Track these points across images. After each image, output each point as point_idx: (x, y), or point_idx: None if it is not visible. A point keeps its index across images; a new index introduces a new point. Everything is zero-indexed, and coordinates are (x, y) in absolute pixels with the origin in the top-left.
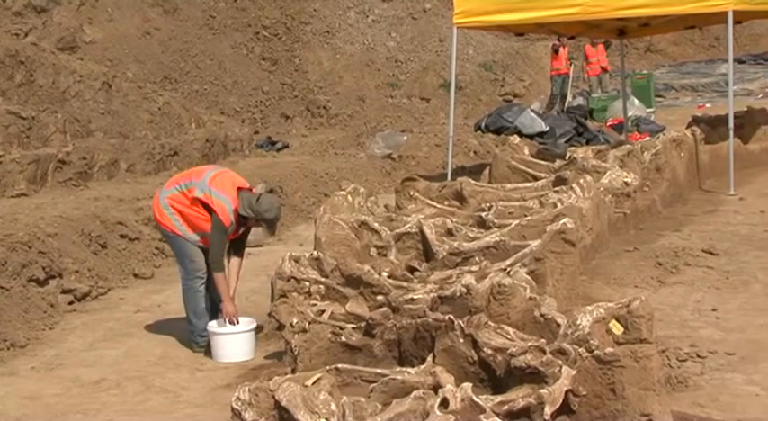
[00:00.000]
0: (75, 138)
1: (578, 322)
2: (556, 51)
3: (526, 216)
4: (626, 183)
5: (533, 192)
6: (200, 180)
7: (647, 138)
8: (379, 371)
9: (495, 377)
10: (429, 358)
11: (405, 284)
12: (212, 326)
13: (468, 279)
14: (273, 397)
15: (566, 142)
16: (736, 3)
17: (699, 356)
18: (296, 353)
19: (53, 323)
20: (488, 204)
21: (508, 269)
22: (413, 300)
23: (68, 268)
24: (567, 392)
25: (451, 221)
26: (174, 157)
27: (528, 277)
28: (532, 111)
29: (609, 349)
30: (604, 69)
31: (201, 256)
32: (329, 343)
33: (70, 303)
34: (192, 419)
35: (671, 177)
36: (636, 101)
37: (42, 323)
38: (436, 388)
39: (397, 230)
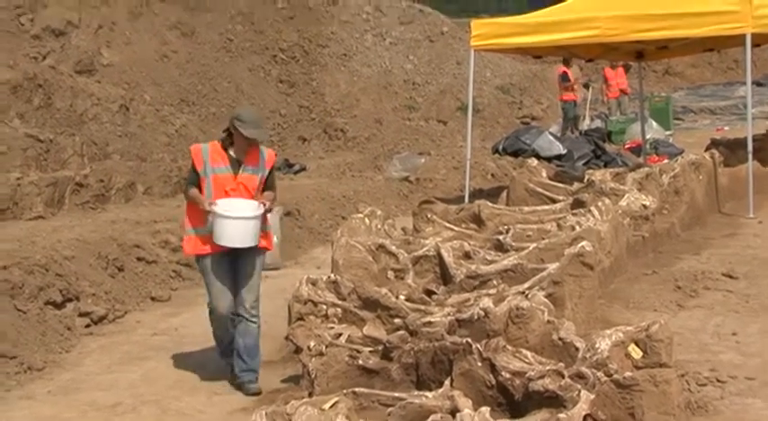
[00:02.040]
0: (93, 160)
1: (597, 346)
2: (566, 78)
3: (544, 239)
4: (644, 206)
5: (551, 215)
6: None
7: (666, 161)
8: (396, 394)
9: (513, 401)
10: (447, 382)
11: (422, 307)
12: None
13: (486, 302)
14: None
15: (584, 165)
16: (754, 26)
17: (719, 381)
18: (313, 376)
19: (70, 346)
20: (506, 227)
21: (526, 292)
22: (430, 323)
23: (85, 291)
24: (585, 417)
25: (469, 244)
26: None
27: (546, 300)
28: (550, 133)
29: (628, 373)
30: (624, 92)
31: (225, 298)
32: (346, 366)
33: (87, 326)
34: None
35: (690, 200)
36: (654, 123)
37: (59, 346)
38: (454, 412)
39: (415, 253)
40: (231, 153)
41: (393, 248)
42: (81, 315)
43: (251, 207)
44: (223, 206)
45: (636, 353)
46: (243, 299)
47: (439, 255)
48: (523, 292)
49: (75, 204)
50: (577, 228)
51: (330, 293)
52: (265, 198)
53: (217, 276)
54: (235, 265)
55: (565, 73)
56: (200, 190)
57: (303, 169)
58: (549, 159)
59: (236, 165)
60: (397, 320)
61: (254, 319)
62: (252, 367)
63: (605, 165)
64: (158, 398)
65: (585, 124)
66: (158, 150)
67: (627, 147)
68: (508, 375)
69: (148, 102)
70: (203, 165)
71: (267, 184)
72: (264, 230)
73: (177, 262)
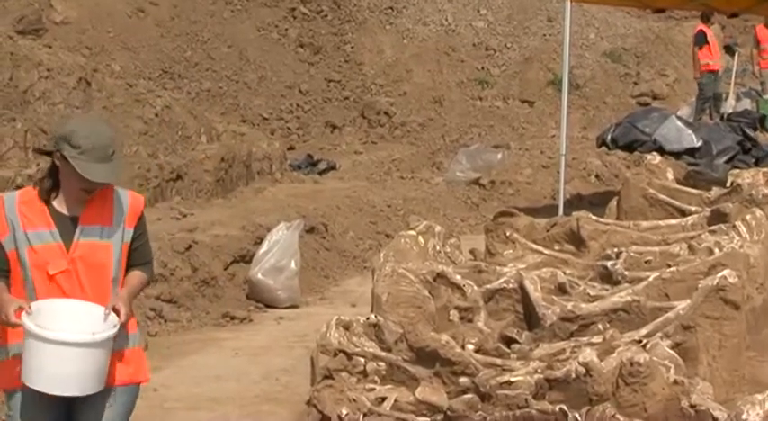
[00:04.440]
0: (41, 155)
1: (744, 417)
2: (702, 40)
3: (670, 266)
4: None
5: (680, 233)
6: None
7: None
8: None
9: None
10: None
11: (498, 362)
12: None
13: (588, 355)
14: None
15: (726, 162)
16: None
17: None
18: None
19: None
20: (616, 250)
21: (644, 341)
22: (510, 383)
23: None
24: None
25: (564, 273)
26: (177, 183)
27: (672, 352)
28: (679, 119)
29: None
30: None
31: None
32: None
33: None
34: None
35: None
36: None
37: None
38: None
39: (488, 286)
40: (56, 206)
41: (458, 279)
42: None
43: (93, 320)
44: (41, 316)
45: None
46: None
47: (522, 289)
48: (640, 341)
49: None
50: (717, 251)
51: (370, 341)
52: (120, 300)
53: None
54: (71, 414)
55: (702, 32)
56: (11, 279)
57: (332, 168)
58: (677, 154)
59: (68, 226)
60: (463, 379)
61: None
62: None
63: (757, 163)
64: None
65: (729, 105)
66: (131, 141)
67: None
68: None
69: (117, 74)
70: (10, 231)
71: (132, 258)
72: (124, 348)
73: (157, 297)
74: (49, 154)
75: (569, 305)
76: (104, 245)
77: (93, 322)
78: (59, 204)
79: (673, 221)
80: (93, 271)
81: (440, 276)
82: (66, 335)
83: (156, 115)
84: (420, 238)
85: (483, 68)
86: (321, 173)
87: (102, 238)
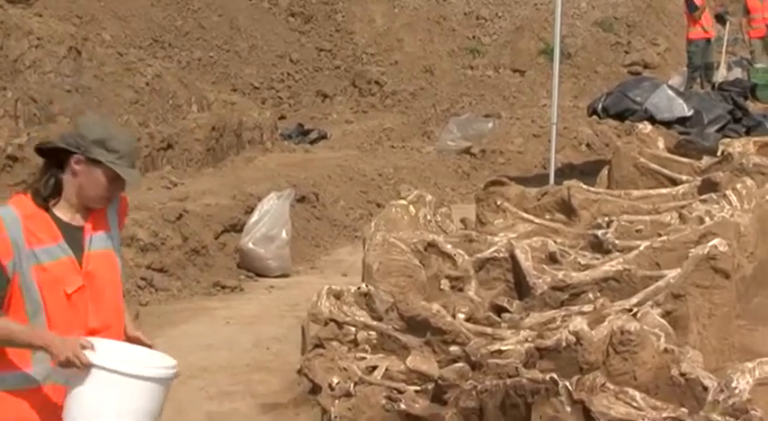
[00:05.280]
0: (31, 124)
1: (734, 385)
2: (693, 8)
3: (660, 235)
4: None
5: (671, 202)
6: None
7: None
8: None
9: None
10: None
11: (489, 330)
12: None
13: (579, 323)
14: None
15: (717, 131)
16: None
17: None
18: None
19: None
20: (607, 219)
21: (635, 310)
22: (500, 352)
23: None
24: None
25: (555, 242)
26: (168, 152)
27: (663, 321)
28: (670, 88)
29: None
30: None
31: None
32: (383, 412)
33: None
34: None
35: None
36: None
37: None
38: None
39: (479, 255)
40: (59, 215)
41: (449, 248)
42: None
43: (145, 358)
44: (107, 352)
45: None
46: None
47: (512, 258)
48: (631, 310)
49: (6, 185)
50: (707, 220)
51: (360, 310)
52: (140, 333)
53: None
54: None
55: (691, 0)
56: (5, 307)
57: (323, 137)
58: (668, 124)
59: (75, 237)
60: (453, 348)
61: None
62: None
63: (747, 132)
64: None
65: (721, 75)
66: (122, 110)
67: None
68: None
69: (108, 43)
70: (14, 253)
71: None
72: None
73: (148, 266)
74: (56, 154)
75: (560, 274)
76: (111, 253)
77: (147, 359)
78: (62, 212)
79: (664, 190)
80: (107, 283)
81: (431, 245)
82: (161, 371)
83: (147, 84)
84: (411, 208)
85: (474, 37)
86: (312, 142)
87: (108, 246)
